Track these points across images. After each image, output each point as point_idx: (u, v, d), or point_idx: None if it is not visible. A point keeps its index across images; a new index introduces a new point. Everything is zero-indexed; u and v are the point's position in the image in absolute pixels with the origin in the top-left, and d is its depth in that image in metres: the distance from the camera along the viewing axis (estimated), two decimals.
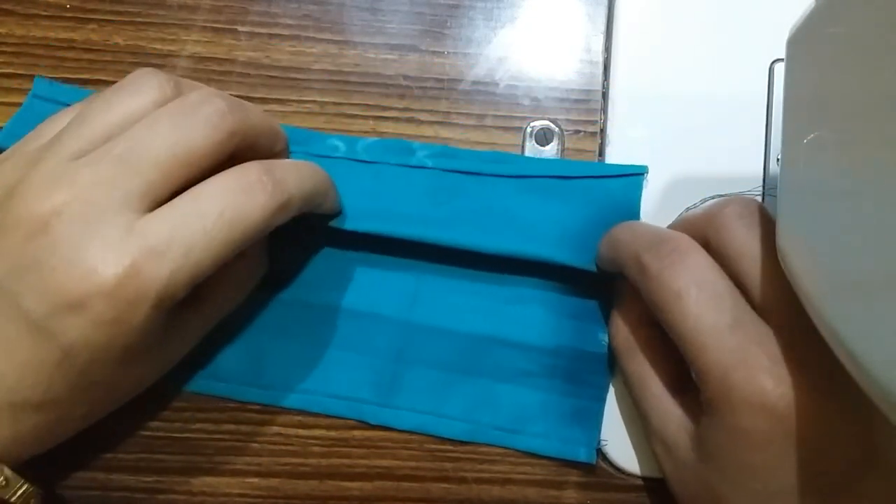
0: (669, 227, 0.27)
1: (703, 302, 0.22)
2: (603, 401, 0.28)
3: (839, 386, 0.21)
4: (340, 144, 0.29)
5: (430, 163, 0.29)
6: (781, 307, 0.22)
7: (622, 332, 0.26)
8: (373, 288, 0.29)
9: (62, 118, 0.24)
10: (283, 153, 0.26)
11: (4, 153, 0.24)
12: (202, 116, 0.22)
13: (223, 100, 0.22)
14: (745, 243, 0.23)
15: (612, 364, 0.28)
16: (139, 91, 0.22)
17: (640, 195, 0.28)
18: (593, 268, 0.28)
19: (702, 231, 0.24)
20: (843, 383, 0.20)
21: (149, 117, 0.22)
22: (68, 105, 0.29)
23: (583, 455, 0.28)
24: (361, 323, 0.29)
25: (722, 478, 0.22)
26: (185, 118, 0.21)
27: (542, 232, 0.28)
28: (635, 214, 0.28)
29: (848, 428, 0.21)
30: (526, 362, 0.28)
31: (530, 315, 0.29)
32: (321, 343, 0.28)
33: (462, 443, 0.28)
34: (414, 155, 0.29)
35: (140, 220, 0.21)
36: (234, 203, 0.21)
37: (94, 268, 0.20)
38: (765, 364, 0.21)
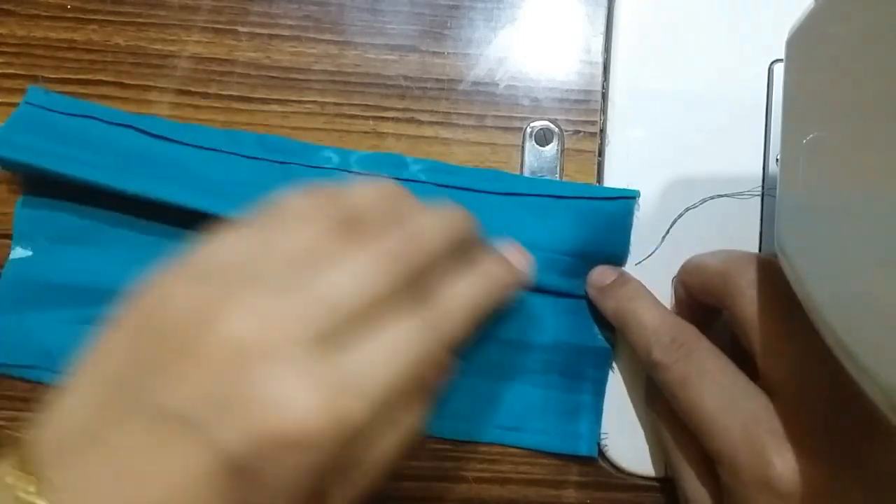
0: (685, 268, 0.27)
1: (704, 387, 0.23)
2: (602, 395, 0.28)
3: (855, 454, 0.21)
4: (333, 156, 0.29)
5: (423, 177, 0.29)
6: (785, 380, 0.22)
7: (662, 400, 0.26)
8: None
9: (228, 241, 0.23)
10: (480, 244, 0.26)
11: (170, 273, 0.23)
12: (399, 268, 0.22)
13: (412, 245, 0.22)
14: (757, 316, 0.23)
15: (610, 359, 0.29)
16: (321, 222, 0.22)
17: (632, 219, 0.29)
18: (582, 291, 0.28)
19: (717, 291, 0.25)
20: (853, 453, 0.21)
21: (347, 260, 0.21)
22: (61, 114, 0.29)
23: (585, 449, 0.28)
24: None
25: None
26: (386, 268, 0.22)
27: (534, 254, 0.28)
28: (626, 236, 0.29)
29: (865, 496, 0.21)
30: (524, 359, 0.28)
31: (527, 312, 0.29)
32: None
33: (462, 442, 0.28)
34: (407, 169, 0.29)
35: (332, 357, 0.21)
36: (420, 340, 0.22)
37: (295, 406, 0.19)
38: (768, 442, 0.21)
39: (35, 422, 0.21)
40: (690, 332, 0.25)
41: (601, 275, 0.28)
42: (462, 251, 0.25)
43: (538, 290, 0.28)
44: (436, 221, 0.24)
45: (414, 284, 0.22)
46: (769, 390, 0.23)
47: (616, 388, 0.29)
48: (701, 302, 0.26)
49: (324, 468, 0.20)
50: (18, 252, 0.29)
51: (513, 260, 0.26)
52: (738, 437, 0.22)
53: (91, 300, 0.29)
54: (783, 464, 0.21)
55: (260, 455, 0.19)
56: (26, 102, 0.29)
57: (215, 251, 0.23)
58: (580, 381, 0.28)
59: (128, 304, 0.22)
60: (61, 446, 0.20)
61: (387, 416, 0.22)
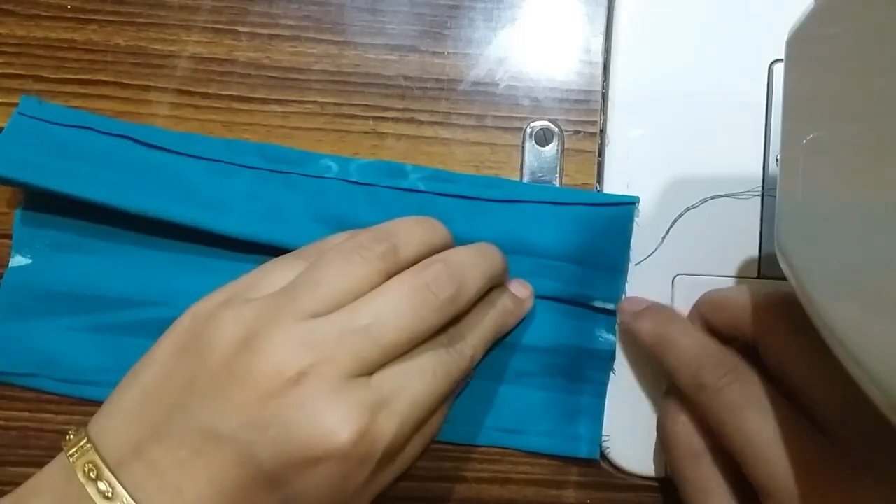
0: (707, 303, 0.27)
1: (757, 415, 0.23)
2: (603, 397, 0.28)
3: None
4: (333, 165, 0.29)
5: (422, 186, 0.29)
6: (838, 416, 0.22)
7: (683, 437, 0.26)
8: None
9: (277, 271, 0.24)
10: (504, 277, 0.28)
11: (218, 295, 0.24)
12: (437, 303, 0.23)
13: (453, 285, 0.23)
14: (795, 353, 0.23)
15: (611, 361, 0.29)
16: (366, 259, 0.23)
17: (632, 224, 0.29)
18: (581, 298, 0.28)
19: (749, 328, 0.25)
20: None
21: (390, 294, 0.23)
22: (54, 124, 0.28)
23: (586, 452, 0.28)
24: None
25: None
26: (426, 303, 0.23)
27: (533, 262, 0.28)
28: (626, 242, 0.29)
29: None
30: (525, 362, 0.28)
31: (528, 317, 0.29)
32: None
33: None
34: (406, 178, 0.29)
35: (367, 380, 0.22)
36: (442, 362, 0.23)
37: (336, 428, 0.21)
38: (827, 476, 0.21)
39: (87, 430, 0.22)
40: (737, 359, 0.25)
41: (634, 303, 0.28)
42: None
43: (540, 296, 0.28)
44: (475, 259, 0.25)
45: (446, 316, 0.24)
46: (818, 427, 0.23)
47: (616, 389, 0.29)
48: (722, 337, 0.26)
49: (353, 478, 0.21)
50: (18, 260, 0.29)
51: (518, 293, 0.28)
52: (795, 469, 0.22)
53: (91, 307, 0.28)
54: (843, 499, 0.21)
55: (293, 470, 0.21)
56: (20, 113, 0.29)
57: (262, 280, 0.24)
58: (581, 383, 0.28)
59: (175, 325, 0.23)
60: (110, 457, 0.21)
61: (413, 429, 0.23)
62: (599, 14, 0.31)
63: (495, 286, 0.27)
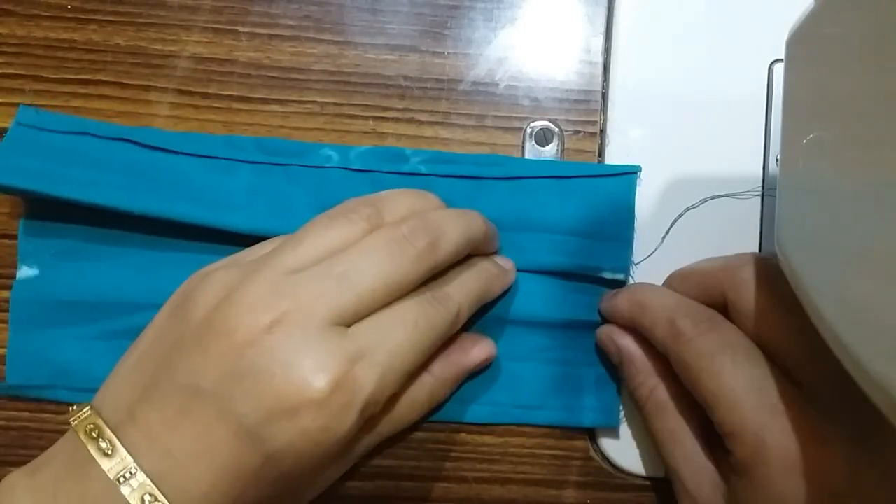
0: (680, 272, 0.28)
1: (736, 363, 0.23)
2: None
3: (871, 441, 0.21)
4: (333, 154, 0.29)
5: (423, 168, 0.29)
6: (807, 366, 0.22)
7: (645, 388, 0.26)
8: None
9: (275, 242, 0.25)
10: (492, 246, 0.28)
11: (216, 263, 0.25)
12: (414, 253, 0.23)
13: (429, 235, 0.24)
14: (765, 306, 0.23)
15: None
16: (351, 221, 0.24)
17: (634, 193, 0.29)
18: (590, 271, 0.28)
19: (719, 289, 0.25)
20: (876, 437, 0.21)
21: (367, 244, 0.23)
22: (54, 132, 0.28)
23: (607, 421, 0.28)
24: None
25: None
26: (402, 252, 0.23)
27: (539, 238, 0.28)
28: (630, 212, 0.29)
29: (881, 483, 0.21)
30: (539, 337, 0.29)
31: (536, 290, 0.29)
32: None
33: (462, 442, 0.28)
34: (407, 161, 0.29)
35: (348, 330, 0.22)
36: (424, 313, 0.23)
37: (312, 376, 0.20)
38: (797, 423, 0.21)
39: (91, 401, 0.23)
40: (712, 311, 0.25)
41: (608, 294, 0.28)
42: (473, 249, 0.26)
43: (548, 271, 0.29)
44: (454, 218, 0.25)
45: (424, 267, 0.23)
46: (788, 376, 0.23)
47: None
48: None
49: (335, 431, 0.21)
50: (25, 272, 0.29)
51: (502, 264, 0.28)
52: (769, 415, 0.22)
53: (101, 314, 0.28)
54: (812, 445, 0.21)
55: (271, 422, 0.20)
56: (18, 123, 0.28)
57: (253, 249, 0.25)
58: (595, 354, 0.29)
59: (172, 294, 0.24)
60: (109, 420, 0.21)
61: (398, 381, 0.23)
62: (599, 14, 0.31)
63: (480, 254, 0.27)
